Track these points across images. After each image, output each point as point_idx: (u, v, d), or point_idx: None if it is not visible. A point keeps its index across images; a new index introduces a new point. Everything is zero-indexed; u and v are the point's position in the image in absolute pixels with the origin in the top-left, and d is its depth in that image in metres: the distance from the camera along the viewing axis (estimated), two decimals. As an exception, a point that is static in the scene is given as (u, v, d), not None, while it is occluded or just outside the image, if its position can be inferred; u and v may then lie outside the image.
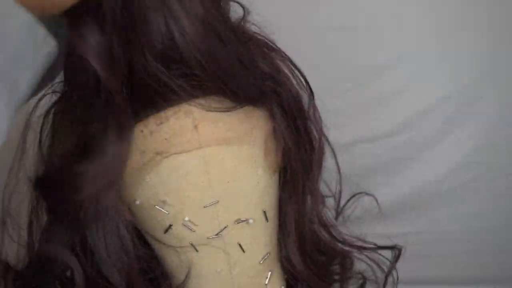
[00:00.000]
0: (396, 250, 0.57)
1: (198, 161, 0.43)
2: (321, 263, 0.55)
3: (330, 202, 0.66)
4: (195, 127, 0.43)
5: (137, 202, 0.45)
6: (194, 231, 0.45)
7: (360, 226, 0.94)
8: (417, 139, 0.89)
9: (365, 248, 0.56)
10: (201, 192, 0.44)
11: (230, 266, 0.47)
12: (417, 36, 0.85)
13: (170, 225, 0.45)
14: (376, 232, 0.94)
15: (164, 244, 0.47)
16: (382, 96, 0.88)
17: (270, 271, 0.49)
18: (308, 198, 0.53)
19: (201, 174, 0.44)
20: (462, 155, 0.89)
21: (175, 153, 0.43)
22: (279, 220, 0.52)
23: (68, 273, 0.48)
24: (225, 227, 0.45)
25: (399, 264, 0.96)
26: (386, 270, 0.56)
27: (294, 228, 0.52)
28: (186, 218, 0.45)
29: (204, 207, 0.45)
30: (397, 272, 0.55)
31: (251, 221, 0.46)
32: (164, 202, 0.44)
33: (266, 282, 0.48)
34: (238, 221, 0.46)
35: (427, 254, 0.94)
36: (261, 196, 0.47)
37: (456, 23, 0.84)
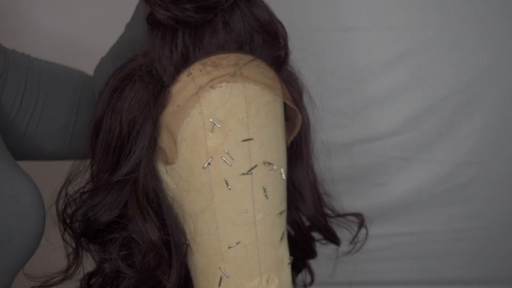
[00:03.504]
0: (360, 216, 0.66)
1: (241, 98, 0.49)
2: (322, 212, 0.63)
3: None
4: (239, 68, 0.50)
5: (183, 138, 0.49)
6: (230, 165, 0.49)
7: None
8: (417, 139, 0.89)
9: (332, 216, 0.64)
10: (241, 127, 0.49)
11: (254, 210, 0.50)
12: (417, 36, 0.85)
13: (211, 158, 0.49)
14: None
15: (197, 184, 0.49)
16: (382, 96, 0.88)
17: (283, 232, 0.53)
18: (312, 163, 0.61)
19: (243, 110, 0.49)
20: (462, 155, 0.89)
21: (223, 82, 0.49)
22: (294, 189, 0.60)
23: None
24: (256, 166, 0.50)
25: (399, 264, 0.97)
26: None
27: (310, 191, 0.60)
28: (226, 150, 0.49)
29: (242, 141, 0.49)
30: (367, 231, 0.66)
31: (275, 167, 0.51)
32: (210, 132, 0.49)
33: (280, 240, 0.52)
34: (266, 163, 0.50)
35: (427, 254, 0.94)
36: (282, 153, 0.53)
37: (456, 23, 0.85)
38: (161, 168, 0.51)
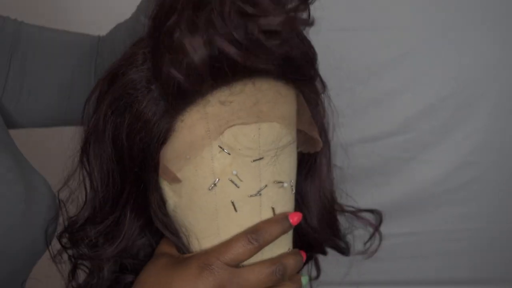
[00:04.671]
0: (377, 214, 0.64)
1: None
2: (333, 223, 0.61)
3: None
4: (256, 104, 0.46)
5: (187, 157, 0.46)
6: (238, 187, 0.46)
7: (361, 225, 0.95)
8: (417, 139, 0.89)
9: (352, 211, 0.62)
10: (251, 146, 0.46)
11: None
12: (417, 36, 0.85)
13: (217, 180, 0.46)
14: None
15: (201, 203, 0.47)
16: (382, 96, 0.88)
17: (289, 247, 0.51)
18: (325, 174, 0.59)
19: (254, 128, 0.46)
20: (462, 155, 0.89)
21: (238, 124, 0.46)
22: (300, 199, 0.57)
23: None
24: (265, 186, 0.47)
25: (398, 264, 0.97)
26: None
27: (317, 205, 0.57)
28: (234, 172, 0.46)
29: (252, 161, 0.46)
30: (380, 234, 0.64)
31: (285, 184, 0.49)
32: (218, 153, 0.46)
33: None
34: (276, 182, 0.48)
35: (427, 254, 0.94)
36: (293, 167, 0.50)
37: (456, 23, 0.85)
38: (165, 187, 0.49)
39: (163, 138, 0.46)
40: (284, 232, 0.49)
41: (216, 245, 0.47)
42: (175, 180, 0.47)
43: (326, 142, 0.58)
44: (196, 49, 0.41)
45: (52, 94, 0.60)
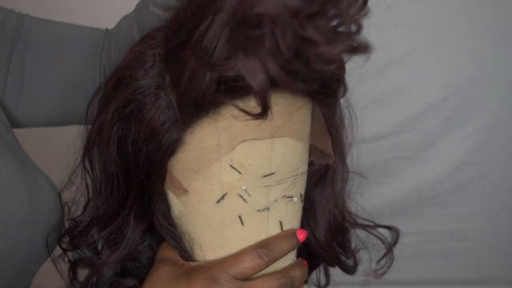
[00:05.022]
0: (394, 231, 0.61)
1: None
2: (340, 240, 0.58)
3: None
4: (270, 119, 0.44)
5: (195, 169, 0.45)
6: (246, 202, 0.45)
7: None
8: (417, 139, 0.89)
9: (365, 226, 0.59)
10: (262, 162, 0.45)
11: None
12: (417, 36, 0.85)
13: (225, 194, 0.45)
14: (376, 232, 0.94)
15: (207, 214, 0.46)
16: (382, 96, 0.88)
17: (293, 258, 0.50)
18: (338, 184, 0.56)
19: (267, 143, 0.45)
20: (462, 155, 0.89)
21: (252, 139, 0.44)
22: (308, 207, 0.54)
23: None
24: (275, 201, 0.46)
25: (398, 264, 0.96)
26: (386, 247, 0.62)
27: (326, 216, 0.55)
28: (244, 187, 0.45)
29: (262, 176, 0.45)
30: (393, 254, 0.61)
31: (295, 199, 0.48)
32: (227, 167, 0.44)
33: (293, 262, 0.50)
34: (285, 196, 0.47)
35: (427, 254, 0.94)
36: (304, 179, 0.49)
37: (456, 23, 0.84)
38: (171, 195, 0.48)
39: (172, 149, 0.44)
40: (293, 248, 0.48)
41: (223, 258, 0.46)
42: (182, 191, 0.46)
43: (342, 151, 0.57)
44: (253, 73, 0.37)
45: (54, 92, 0.57)
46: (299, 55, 0.37)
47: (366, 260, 0.62)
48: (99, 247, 0.52)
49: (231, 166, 0.44)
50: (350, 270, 0.60)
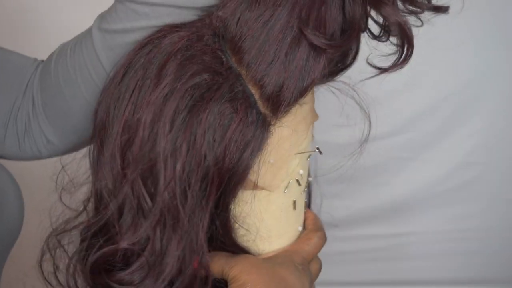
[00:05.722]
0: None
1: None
2: None
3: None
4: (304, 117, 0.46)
5: (271, 161, 0.44)
6: (300, 185, 0.46)
7: (360, 226, 0.95)
8: (417, 139, 0.89)
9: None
10: (308, 143, 0.47)
11: (301, 225, 0.49)
12: (417, 37, 0.85)
13: (290, 180, 0.46)
14: (376, 232, 0.94)
15: (271, 207, 0.46)
16: (382, 96, 0.88)
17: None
18: None
19: (310, 129, 0.47)
20: (462, 155, 0.89)
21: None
22: None
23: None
24: (308, 180, 0.49)
25: (398, 264, 0.97)
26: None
27: None
28: (301, 171, 0.46)
29: (307, 158, 0.47)
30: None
31: (311, 178, 0.51)
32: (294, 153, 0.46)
33: None
34: (310, 176, 0.50)
35: (427, 254, 0.94)
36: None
37: (456, 23, 0.85)
38: (246, 198, 0.45)
39: (258, 150, 0.42)
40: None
41: (296, 243, 0.48)
42: (255, 187, 0.44)
43: None
44: (396, 15, 0.46)
45: None
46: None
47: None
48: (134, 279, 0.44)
49: (317, 149, 0.47)
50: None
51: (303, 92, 0.42)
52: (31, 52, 0.58)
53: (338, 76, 0.51)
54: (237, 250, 0.47)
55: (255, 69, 0.40)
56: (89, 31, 0.49)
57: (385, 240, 0.95)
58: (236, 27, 0.41)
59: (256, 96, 0.42)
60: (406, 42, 0.48)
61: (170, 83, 0.40)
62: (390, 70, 0.49)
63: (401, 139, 0.89)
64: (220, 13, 0.41)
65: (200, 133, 0.40)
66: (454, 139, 0.89)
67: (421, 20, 0.49)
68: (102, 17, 0.47)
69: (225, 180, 0.43)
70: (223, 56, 0.41)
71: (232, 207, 0.45)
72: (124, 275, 0.42)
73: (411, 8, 0.48)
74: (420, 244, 0.93)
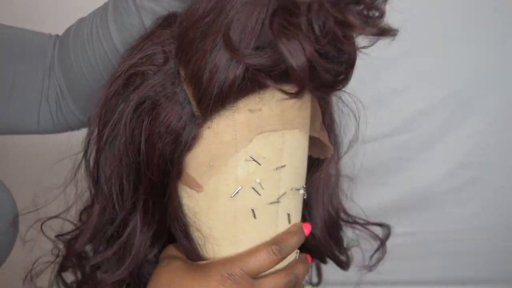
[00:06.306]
0: (386, 228, 0.62)
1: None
2: (336, 234, 0.60)
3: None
4: (283, 111, 0.46)
5: (211, 164, 0.45)
6: (259, 195, 0.46)
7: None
8: (417, 139, 0.89)
9: (358, 223, 0.61)
10: (276, 154, 0.46)
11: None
12: (417, 36, 0.85)
13: (240, 187, 0.46)
14: (376, 232, 0.94)
15: (220, 209, 0.46)
16: (382, 96, 0.88)
17: (297, 252, 0.51)
18: (332, 180, 0.58)
19: (280, 136, 0.46)
20: (462, 155, 0.89)
21: (267, 131, 0.45)
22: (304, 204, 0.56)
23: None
24: (284, 193, 0.47)
25: (398, 264, 0.97)
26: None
27: (322, 212, 0.56)
28: (258, 180, 0.45)
29: (275, 169, 0.46)
30: (385, 248, 0.64)
31: (301, 191, 0.49)
32: (243, 160, 0.45)
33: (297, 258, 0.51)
34: (293, 189, 0.48)
35: (427, 254, 0.94)
36: (305, 172, 0.50)
37: (455, 23, 0.85)
38: (183, 193, 0.48)
39: (189, 145, 0.45)
40: (301, 243, 0.48)
41: (239, 254, 0.47)
42: (196, 187, 0.46)
43: (335, 147, 0.59)
44: (294, 54, 0.39)
45: None
46: (331, 38, 0.40)
47: (360, 258, 0.63)
48: (103, 265, 0.50)
49: (247, 159, 0.45)
50: (344, 265, 0.62)
51: (223, 94, 0.42)
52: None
53: (335, 91, 0.51)
54: (187, 246, 0.49)
55: (190, 67, 0.43)
56: (104, 10, 0.51)
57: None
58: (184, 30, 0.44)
59: (190, 95, 0.44)
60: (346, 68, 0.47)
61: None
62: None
63: (401, 139, 0.89)
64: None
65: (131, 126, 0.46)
66: (454, 139, 0.89)
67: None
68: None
69: (158, 175, 0.46)
70: (170, 56, 0.45)
71: (172, 205, 0.47)
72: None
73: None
74: (420, 244, 0.93)
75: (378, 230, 0.65)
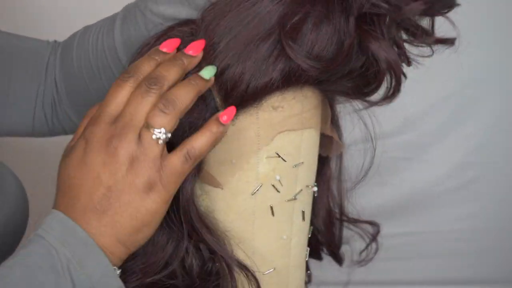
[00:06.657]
0: (375, 226, 0.64)
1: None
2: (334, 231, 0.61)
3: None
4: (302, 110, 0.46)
5: (233, 161, 0.45)
6: (278, 192, 0.46)
7: (360, 226, 0.95)
8: (417, 139, 0.89)
9: (349, 221, 0.62)
10: (295, 151, 0.46)
11: (292, 234, 0.48)
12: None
13: (261, 185, 0.45)
14: (370, 230, 0.94)
15: (239, 208, 0.46)
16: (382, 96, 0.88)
17: (308, 249, 0.51)
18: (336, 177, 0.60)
19: (299, 135, 0.46)
20: (462, 155, 0.89)
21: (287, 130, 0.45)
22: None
23: None
24: (301, 190, 0.47)
25: (398, 264, 0.96)
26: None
27: (324, 208, 0.58)
28: (278, 177, 0.46)
29: (294, 166, 0.46)
30: (377, 245, 0.65)
31: (315, 188, 0.49)
32: (264, 158, 0.45)
33: (307, 259, 0.51)
34: (308, 186, 0.48)
35: (427, 254, 0.94)
36: (316, 169, 0.50)
37: (456, 23, 0.84)
38: (199, 191, 0.47)
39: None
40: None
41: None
42: (216, 185, 0.46)
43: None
44: (387, 51, 0.44)
45: None
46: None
47: (356, 257, 0.65)
48: None
49: (268, 156, 0.45)
50: (339, 260, 0.63)
51: (256, 91, 0.43)
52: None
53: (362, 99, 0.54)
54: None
55: (220, 59, 0.42)
56: (112, 22, 0.51)
57: (385, 240, 0.94)
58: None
59: (214, 91, 0.43)
60: (393, 81, 0.50)
61: None
62: (378, 104, 0.53)
63: (401, 139, 0.89)
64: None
65: None
66: (454, 139, 0.89)
67: (433, 50, 0.52)
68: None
69: None
70: None
71: (192, 202, 0.46)
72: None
73: (416, 43, 0.49)
74: (420, 244, 0.93)
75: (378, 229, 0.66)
